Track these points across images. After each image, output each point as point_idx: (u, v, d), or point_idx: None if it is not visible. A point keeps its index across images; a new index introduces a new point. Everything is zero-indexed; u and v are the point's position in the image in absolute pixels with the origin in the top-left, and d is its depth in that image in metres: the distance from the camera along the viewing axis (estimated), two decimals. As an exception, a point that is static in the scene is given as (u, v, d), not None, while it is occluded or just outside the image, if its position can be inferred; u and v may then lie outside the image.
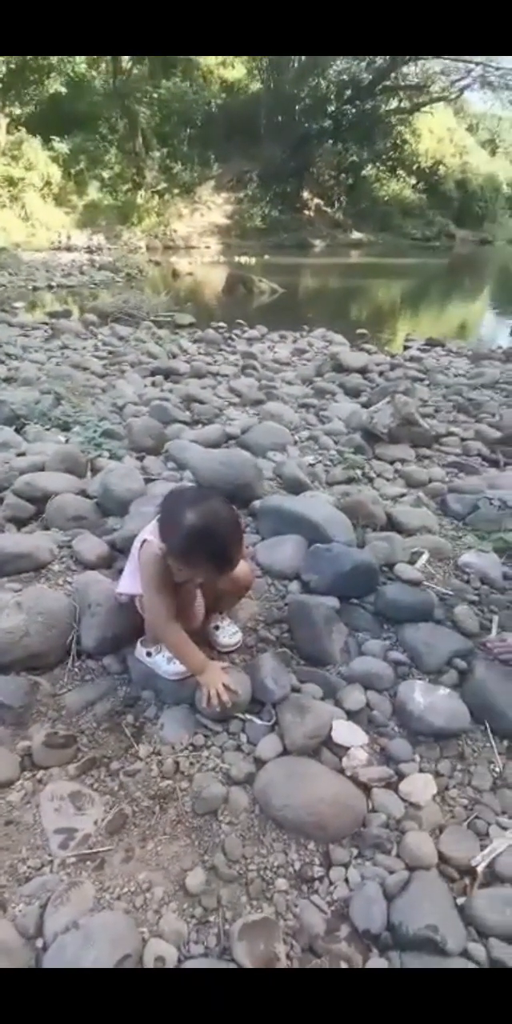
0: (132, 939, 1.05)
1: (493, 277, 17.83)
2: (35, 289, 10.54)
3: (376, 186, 24.34)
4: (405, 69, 24.41)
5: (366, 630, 1.81)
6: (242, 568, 1.61)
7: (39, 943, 1.07)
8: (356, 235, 23.07)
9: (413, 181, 24.90)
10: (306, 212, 23.51)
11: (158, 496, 2.20)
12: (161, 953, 1.05)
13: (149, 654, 1.61)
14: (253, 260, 16.51)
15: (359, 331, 7.29)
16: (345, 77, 23.12)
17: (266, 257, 17.26)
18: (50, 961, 1.00)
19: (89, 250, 17.38)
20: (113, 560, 2.04)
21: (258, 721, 1.51)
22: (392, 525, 2.38)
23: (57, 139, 18.79)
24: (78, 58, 18.96)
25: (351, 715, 1.53)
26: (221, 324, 7.26)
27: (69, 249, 17.25)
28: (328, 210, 23.82)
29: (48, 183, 18.69)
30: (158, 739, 1.48)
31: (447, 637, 1.73)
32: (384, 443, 3.18)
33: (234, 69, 23.45)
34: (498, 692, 1.53)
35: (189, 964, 1.05)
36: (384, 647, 1.73)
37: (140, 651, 1.63)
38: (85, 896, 1.13)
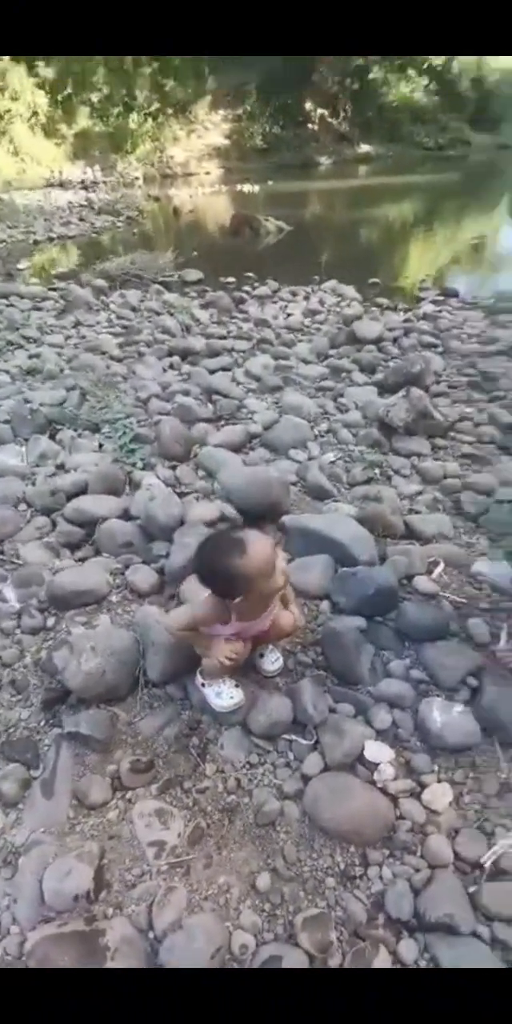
0: (221, 933, 1.39)
1: (511, 187, 16.89)
2: (36, 243, 10.34)
3: (384, 90, 22.58)
4: None
5: (390, 648, 2.08)
6: (285, 617, 1.86)
7: (151, 935, 1.41)
8: (364, 148, 21.74)
9: (425, 82, 23.02)
10: (309, 126, 22.08)
11: (197, 523, 2.44)
12: (244, 942, 1.39)
13: (203, 685, 1.90)
14: (256, 188, 15.79)
15: (370, 280, 7.18)
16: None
17: (269, 183, 16.46)
18: (165, 954, 1.34)
19: (84, 185, 16.70)
20: (163, 587, 2.31)
21: (302, 741, 1.81)
22: (410, 532, 2.60)
23: (42, 63, 17.58)
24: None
25: (379, 733, 1.81)
26: (230, 280, 7.19)
27: (63, 185, 16.60)
28: (333, 121, 22.31)
29: (35, 113, 17.69)
30: (220, 758, 1.78)
31: (461, 656, 1.98)
32: (400, 435, 3.34)
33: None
34: (504, 709, 1.80)
35: (263, 950, 1.39)
36: (406, 666, 2.00)
37: (198, 680, 1.92)
38: (180, 898, 1.46)
